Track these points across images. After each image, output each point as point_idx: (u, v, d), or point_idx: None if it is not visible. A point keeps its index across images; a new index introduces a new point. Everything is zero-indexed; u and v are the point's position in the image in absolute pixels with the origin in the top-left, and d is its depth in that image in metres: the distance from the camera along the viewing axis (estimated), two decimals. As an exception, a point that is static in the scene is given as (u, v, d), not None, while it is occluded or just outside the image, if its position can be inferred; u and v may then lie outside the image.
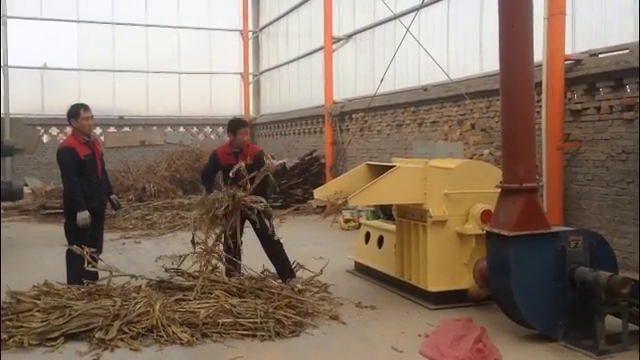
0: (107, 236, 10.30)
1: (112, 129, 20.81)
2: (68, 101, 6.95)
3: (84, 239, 6.09)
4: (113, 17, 20.62)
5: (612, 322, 4.77)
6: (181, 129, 21.88)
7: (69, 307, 5.15)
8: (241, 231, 6.70)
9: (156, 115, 21.42)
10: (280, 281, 6.41)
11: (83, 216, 6.10)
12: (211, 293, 5.62)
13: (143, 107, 21.36)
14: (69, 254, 6.12)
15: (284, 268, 6.70)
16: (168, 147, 19.32)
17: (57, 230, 6.52)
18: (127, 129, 21.03)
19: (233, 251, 6.47)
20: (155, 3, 21.21)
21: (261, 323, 5.14)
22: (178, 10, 21.58)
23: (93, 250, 5.88)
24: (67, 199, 6.31)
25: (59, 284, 5.86)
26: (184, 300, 5.48)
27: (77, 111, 6.31)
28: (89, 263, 5.74)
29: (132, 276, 5.93)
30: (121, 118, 20.85)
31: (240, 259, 6.55)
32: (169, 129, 21.60)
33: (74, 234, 6.16)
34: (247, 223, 6.66)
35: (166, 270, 6.35)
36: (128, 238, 10.73)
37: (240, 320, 5.18)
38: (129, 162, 16.61)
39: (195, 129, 22.15)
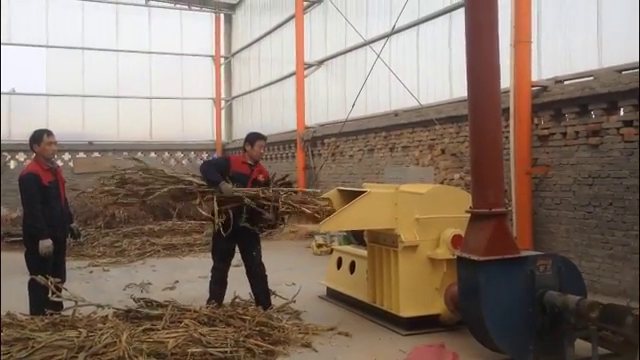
0: (74, 264, 10.14)
1: (81, 155, 20.52)
2: (36, 126, 6.83)
3: (46, 268, 5.92)
4: (83, 42, 20.49)
5: (582, 346, 4.79)
6: (152, 154, 21.66)
7: (32, 339, 4.96)
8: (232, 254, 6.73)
9: (126, 140, 21.20)
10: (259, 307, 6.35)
11: (46, 244, 5.94)
12: (180, 322, 5.49)
13: (113, 132, 21.13)
14: (31, 284, 5.94)
15: (266, 294, 6.68)
16: (139, 173, 19.04)
17: (22, 259, 6.32)
18: (97, 155, 20.75)
19: (220, 275, 6.56)
20: (126, 28, 21.13)
21: (231, 352, 5.03)
22: (149, 35, 21.53)
23: (58, 280, 5.72)
24: (29, 227, 6.10)
25: (22, 315, 5.68)
26: (152, 330, 5.33)
27: (40, 136, 6.20)
28: (53, 293, 5.58)
29: (98, 306, 5.78)
30: (90, 143, 20.59)
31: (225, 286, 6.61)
32: (140, 154, 21.33)
33: (36, 263, 5.98)
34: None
35: (134, 300, 6.21)
36: (96, 266, 10.51)
37: (210, 350, 5.06)
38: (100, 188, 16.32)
39: (166, 154, 21.99)
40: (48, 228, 6.00)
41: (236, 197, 6.16)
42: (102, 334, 5.06)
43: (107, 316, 5.71)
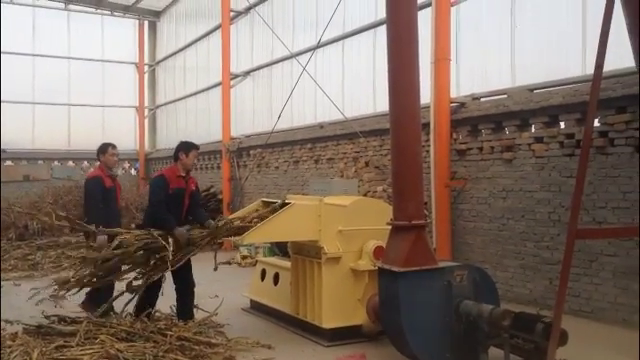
0: (-19, 279, 9.55)
1: (-8, 163, 19.49)
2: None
3: None
4: (-4, 45, 19.52)
5: (495, 353, 4.98)
6: (70, 163, 20.86)
7: None
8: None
9: (42, 148, 20.32)
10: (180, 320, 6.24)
11: (102, 239, 6.30)
12: (96, 338, 5.31)
13: (28, 140, 20.20)
14: None
15: (189, 309, 6.55)
16: (55, 182, 18.31)
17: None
18: (9, 163, 19.75)
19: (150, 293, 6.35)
20: (43, 31, 20.31)
21: (150, 368, 4.91)
22: (69, 39, 20.80)
23: None
24: (89, 222, 6.58)
25: None
26: (65, 347, 5.13)
27: (106, 148, 7.34)
28: None
29: (7, 321, 5.50)
30: (3, 151, 19.54)
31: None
32: (56, 163, 20.51)
33: None
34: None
35: (46, 317, 5.94)
36: (6, 280, 9.94)
37: (127, 366, 4.93)
38: (10, 198, 15.54)
39: (86, 163, 21.17)
40: (106, 225, 6.45)
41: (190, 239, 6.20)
42: (11, 352, 4.85)
43: (17, 333, 5.44)
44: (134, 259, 6.13)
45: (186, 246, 6.17)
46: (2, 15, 19.44)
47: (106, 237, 6.28)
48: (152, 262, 6.16)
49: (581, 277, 7.01)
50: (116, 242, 6.01)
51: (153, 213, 6.41)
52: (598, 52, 4.15)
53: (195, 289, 6.71)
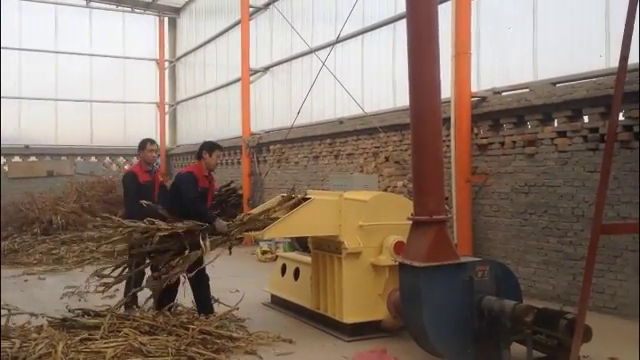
0: (8, 272, 9.77)
1: (17, 159, 19.82)
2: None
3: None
4: (20, 43, 19.81)
5: (518, 349, 4.95)
6: (93, 159, 21.11)
7: (-39, 351, 4.78)
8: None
9: (65, 144, 20.60)
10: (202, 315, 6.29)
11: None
12: (119, 331, 5.39)
13: (51, 136, 20.52)
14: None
15: (207, 302, 6.60)
16: (78, 178, 18.56)
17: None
18: (33, 159, 20.07)
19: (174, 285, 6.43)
20: (66, 29, 20.57)
21: (172, 361, 4.97)
22: (90, 37, 21.03)
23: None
24: (128, 214, 6.87)
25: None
26: (90, 340, 5.21)
27: (144, 144, 7.40)
28: None
29: (32, 314, 5.60)
30: (27, 147, 19.90)
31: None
32: (79, 159, 20.77)
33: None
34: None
35: (70, 310, 6.03)
36: (31, 274, 10.14)
37: (150, 359, 4.98)
38: (35, 193, 15.80)
39: (108, 159, 21.46)
40: (142, 219, 6.42)
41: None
42: (37, 344, 4.92)
43: (42, 326, 5.54)
44: (169, 245, 6.21)
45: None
46: (25, 13, 19.84)
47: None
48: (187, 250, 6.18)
49: (605, 273, 6.93)
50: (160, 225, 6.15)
51: (190, 208, 6.40)
52: (623, 43, 4.07)
53: (216, 283, 6.76)
